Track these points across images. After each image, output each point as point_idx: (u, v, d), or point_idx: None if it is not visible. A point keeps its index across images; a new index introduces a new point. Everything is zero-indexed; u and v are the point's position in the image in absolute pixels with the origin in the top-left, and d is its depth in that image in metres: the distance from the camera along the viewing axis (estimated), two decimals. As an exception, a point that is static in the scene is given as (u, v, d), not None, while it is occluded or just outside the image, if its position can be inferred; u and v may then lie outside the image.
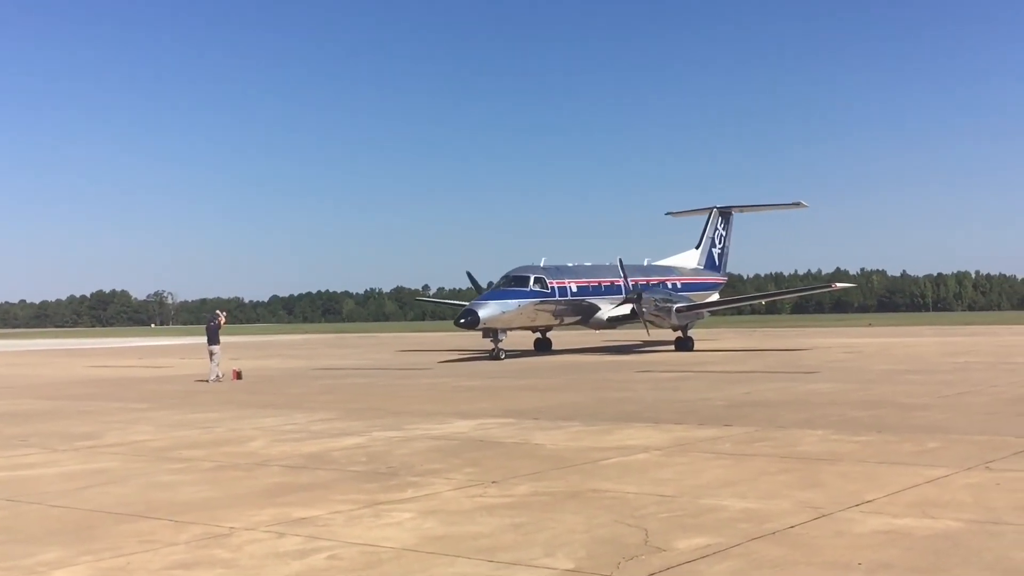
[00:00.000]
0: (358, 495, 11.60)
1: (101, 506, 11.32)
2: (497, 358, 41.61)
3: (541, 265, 45.57)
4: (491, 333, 42.27)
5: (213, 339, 34.14)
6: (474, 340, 51.94)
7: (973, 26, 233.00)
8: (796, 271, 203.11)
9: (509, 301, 42.44)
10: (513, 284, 43.58)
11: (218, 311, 36.77)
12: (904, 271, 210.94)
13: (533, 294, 43.41)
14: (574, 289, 45.71)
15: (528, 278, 43.76)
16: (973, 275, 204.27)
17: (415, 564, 8.37)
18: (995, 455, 13.27)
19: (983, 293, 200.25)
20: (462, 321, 41.30)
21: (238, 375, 34.01)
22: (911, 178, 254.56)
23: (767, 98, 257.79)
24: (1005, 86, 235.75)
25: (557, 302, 44.69)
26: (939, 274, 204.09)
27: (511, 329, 43.93)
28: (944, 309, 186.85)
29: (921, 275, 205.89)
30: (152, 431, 18.87)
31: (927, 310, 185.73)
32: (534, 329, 47.96)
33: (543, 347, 49.71)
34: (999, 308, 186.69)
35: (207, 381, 32.63)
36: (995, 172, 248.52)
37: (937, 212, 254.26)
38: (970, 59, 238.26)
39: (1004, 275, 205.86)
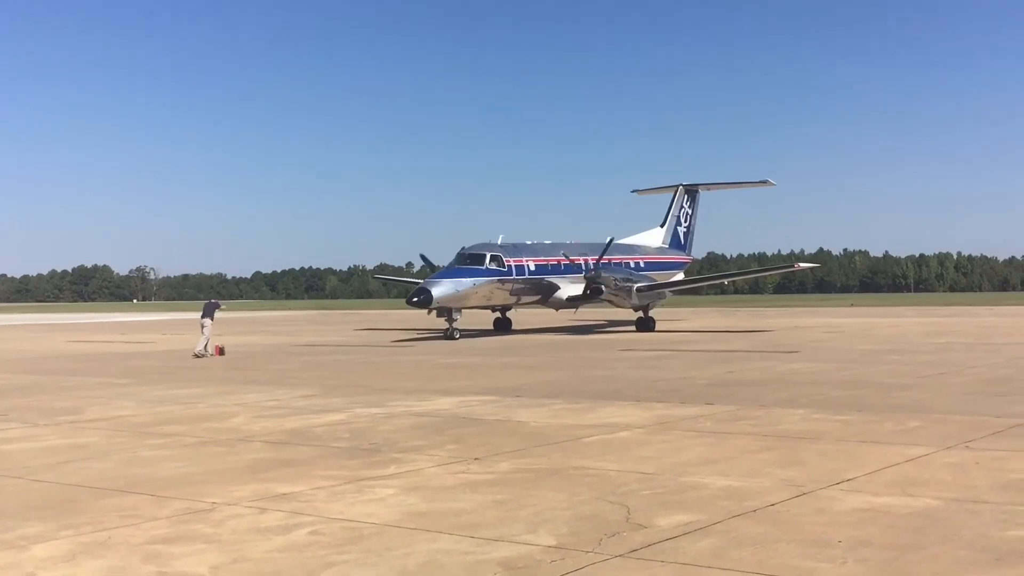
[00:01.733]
0: (340, 471, 11.59)
1: (82, 481, 11.28)
2: (451, 338, 40.79)
3: (498, 243, 44.76)
4: (445, 312, 41.46)
5: (207, 314, 34.53)
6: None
7: (960, 6, 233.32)
8: (779, 251, 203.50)
9: (463, 279, 41.63)
10: (468, 262, 42.70)
11: (221, 303, 36.54)
12: (886, 252, 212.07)
13: (489, 272, 42.59)
14: (532, 267, 44.80)
15: (484, 256, 42.92)
16: (955, 256, 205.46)
17: (397, 540, 8.37)
18: (975, 434, 13.37)
19: (964, 274, 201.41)
20: (414, 300, 40.56)
21: (220, 351, 33.94)
22: (894, 159, 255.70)
23: (745, 77, 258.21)
24: (986, 67, 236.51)
25: (515, 281, 43.86)
26: (921, 255, 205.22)
27: (466, 308, 43.07)
28: (926, 290, 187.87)
29: (903, 256, 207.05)
30: (134, 406, 18.81)
31: (909, 291, 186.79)
32: (492, 308, 47.27)
33: (502, 327, 49.08)
34: (980, 289, 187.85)
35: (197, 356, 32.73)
36: (978, 154, 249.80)
37: (920, 194, 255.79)
38: (950, 40, 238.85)
39: (985, 256, 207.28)
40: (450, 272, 42.24)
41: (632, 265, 48.93)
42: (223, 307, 35.68)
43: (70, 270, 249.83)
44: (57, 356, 35.45)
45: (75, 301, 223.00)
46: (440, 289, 40.59)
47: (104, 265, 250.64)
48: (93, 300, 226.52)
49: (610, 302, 44.75)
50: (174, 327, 63.30)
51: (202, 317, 34.79)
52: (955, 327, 44.88)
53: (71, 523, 9.14)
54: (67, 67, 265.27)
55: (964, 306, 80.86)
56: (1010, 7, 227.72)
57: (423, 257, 48.18)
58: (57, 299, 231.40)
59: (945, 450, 12.24)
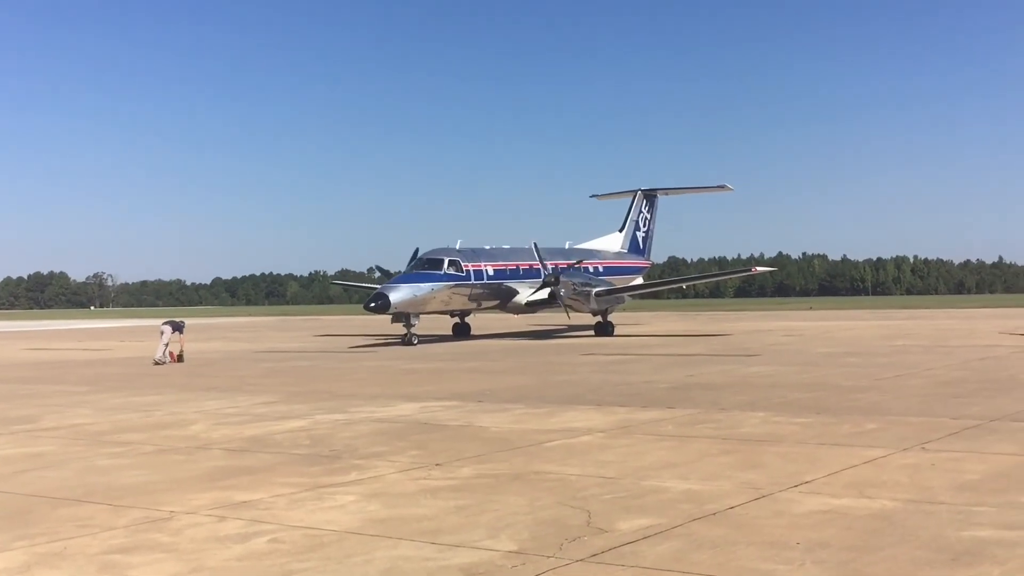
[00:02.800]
0: (301, 478, 11.52)
1: (38, 491, 11.12)
2: (409, 343, 40.58)
3: (456, 248, 44.66)
4: (403, 317, 41.23)
5: (175, 327, 33.92)
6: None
7: (914, 7, 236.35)
8: (739, 255, 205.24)
9: (421, 284, 41.45)
10: (426, 267, 42.53)
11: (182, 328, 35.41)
12: (844, 256, 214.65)
13: (447, 277, 42.49)
14: (491, 272, 44.76)
15: (442, 261, 42.80)
16: (911, 260, 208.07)
17: (358, 547, 8.34)
18: (931, 436, 13.53)
19: (921, 277, 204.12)
20: (372, 305, 40.30)
21: (178, 358, 33.58)
22: (852, 164, 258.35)
23: (703, 83, 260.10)
24: (941, 73, 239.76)
25: (473, 286, 43.81)
26: (878, 259, 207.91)
27: (424, 313, 42.89)
28: (883, 293, 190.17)
29: (861, 260, 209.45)
30: (91, 414, 18.58)
31: (867, 294, 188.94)
32: (451, 313, 47.10)
33: (462, 332, 48.90)
34: (936, 292, 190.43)
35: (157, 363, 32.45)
36: (934, 159, 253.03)
37: (877, 198, 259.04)
38: (904, 45, 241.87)
39: (941, 260, 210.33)
40: (408, 277, 42.01)
41: (591, 270, 49.04)
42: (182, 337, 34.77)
43: (25, 277, 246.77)
44: (12, 364, 34.95)
45: (31, 308, 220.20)
46: (398, 294, 40.38)
47: (60, 272, 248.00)
48: (49, 307, 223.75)
49: (569, 307, 44.84)
50: (132, 334, 62.62)
51: (163, 323, 34.31)
52: (912, 330, 45.43)
53: (26, 533, 9.01)
54: (22, 71, 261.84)
55: (920, 309, 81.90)
56: (967, 14, 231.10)
57: (378, 268, 48.04)
58: (12, 306, 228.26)
59: (902, 452, 12.38)
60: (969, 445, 12.79)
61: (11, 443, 15.06)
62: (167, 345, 33.44)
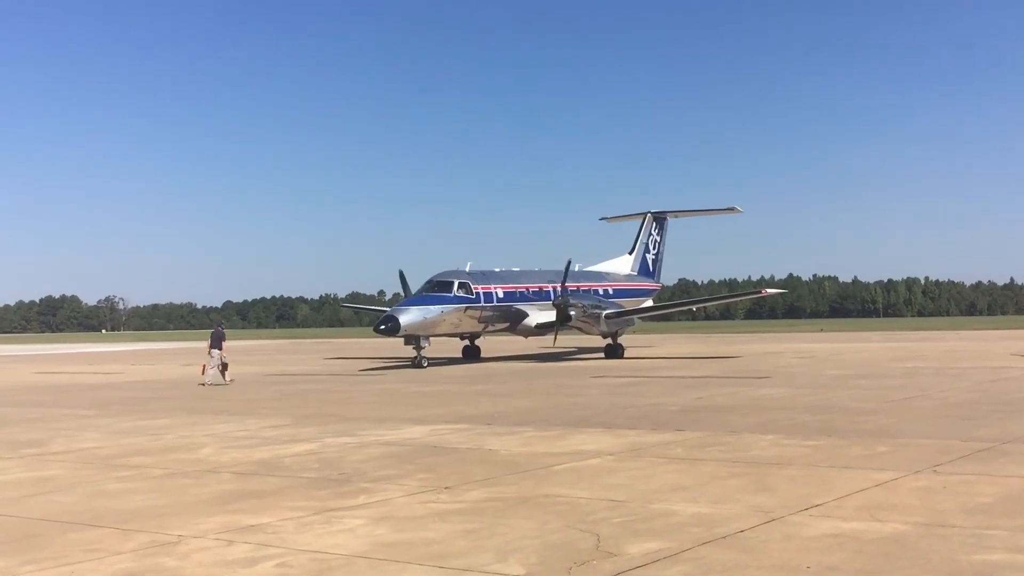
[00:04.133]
0: (309, 502, 11.50)
1: (46, 515, 11.12)
2: (419, 366, 40.60)
3: (467, 270, 44.67)
4: (413, 340, 41.23)
5: (215, 344, 34.16)
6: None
7: (922, 25, 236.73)
8: (750, 277, 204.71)
9: (431, 307, 41.42)
10: (436, 289, 42.54)
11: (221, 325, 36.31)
12: (855, 277, 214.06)
13: (457, 299, 42.46)
14: (501, 295, 44.75)
15: (452, 283, 42.79)
16: (923, 281, 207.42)
17: (366, 571, 8.31)
18: (942, 459, 13.45)
19: (932, 299, 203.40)
20: (382, 328, 40.25)
21: (222, 373, 33.60)
22: (863, 185, 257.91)
23: (712, 104, 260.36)
24: (954, 94, 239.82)
25: (483, 308, 43.78)
26: (889, 280, 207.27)
27: (434, 336, 42.87)
28: (894, 315, 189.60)
29: (872, 281, 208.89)
30: (100, 438, 18.60)
31: (878, 316, 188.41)
32: (461, 336, 47.09)
33: (471, 354, 48.92)
34: (948, 314, 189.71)
35: (219, 383, 33.00)
36: (945, 180, 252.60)
37: (889, 219, 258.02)
38: (918, 64, 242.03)
39: (952, 281, 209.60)
40: (418, 300, 42.03)
41: (601, 292, 49.07)
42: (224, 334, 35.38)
43: (38, 300, 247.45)
44: (23, 388, 35.03)
45: (43, 332, 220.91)
46: (408, 317, 40.41)
47: (72, 295, 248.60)
48: (61, 331, 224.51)
49: (579, 329, 44.80)
50: (143, 358, 62.79)
51: (210, 348, 34.44)
52: (923, 352, 45.26)
53: (34, 558, 9.01)
54: (35, 96, 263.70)
55: (932, 330, 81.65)
56: (976, 35, 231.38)
57: (401, 274, 47.00)
58: (24, 330, 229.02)
59: (913, 474, 12.30)
60: (981, 468, 12.71)
61: (20, 467, 15.07)
62: (219, 365, 33.74)
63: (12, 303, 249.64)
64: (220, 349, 34.12)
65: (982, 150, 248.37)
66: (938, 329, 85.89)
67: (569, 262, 45.34)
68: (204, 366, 34.41)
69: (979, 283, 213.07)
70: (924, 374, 30.20)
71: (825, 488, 11.49)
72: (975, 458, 13.53)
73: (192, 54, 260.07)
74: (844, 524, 9.57)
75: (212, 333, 35.26)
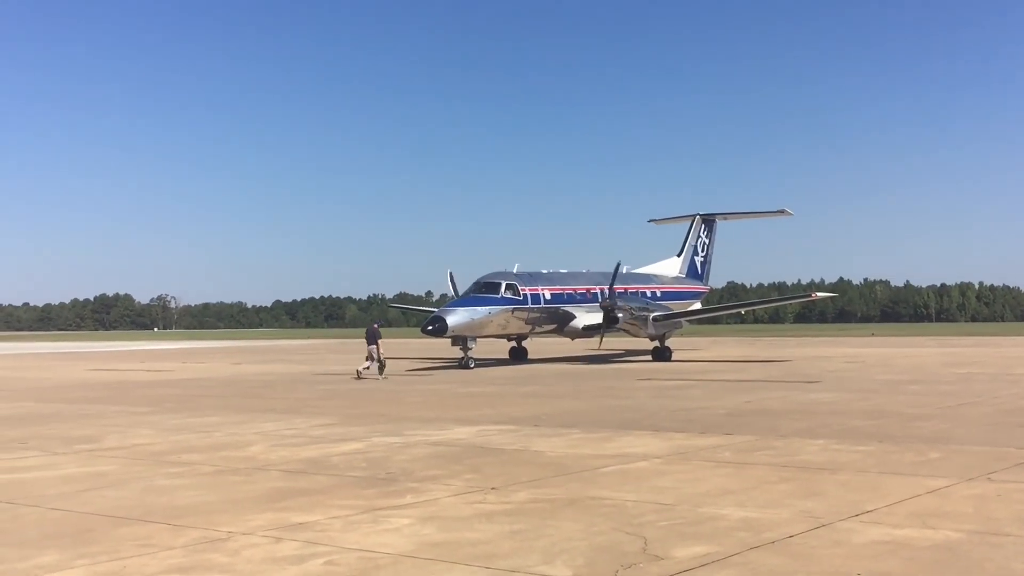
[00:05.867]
0: (357, 500, 11.56)
1: (99, 509, 11.29)
2: (466, 367, 40.62)
3: (514, 271, 44.68)
4: (460, 341, 41.34)
5: (371, 341, 36.15)
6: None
7: (972, 27, 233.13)
8: (799, 280, 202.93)
9: (479, 308, 41.52)
10: (484, 291, 42.63)
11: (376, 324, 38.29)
12: (907, 281, 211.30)
13: (504, 301, 42.49)
14: (548, 296, 44.72)
15: (499, 284, 42.84)
16: (976, 286, 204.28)
17: (412, 570, 8.33)
18: (997, 466, 13.23)
19: (986, 304, 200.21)
20: (429, 328, 40.35)
21: (379, 368, 35.63)
22: (915, 187, 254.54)
23: (762, 105, 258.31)
24: (1014, 93, 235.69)
25: (530, 310, 43.78)
26: (942, 284, 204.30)
27: (482, 337, 42.91)
28: (947, 320, 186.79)
29: (924, 286, 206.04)
30: (152, 435, 18.84)
31: (930, 320, 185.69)
32: (508, 337, 47.05)
33: (518, 356, 48.88)
34: (1002, 319, 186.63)
35: (377, 377, 35.19)
36: (1000, 182, 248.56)
37: (941, 222, 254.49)
38: (971, 62, 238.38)
39: (1008, 286, 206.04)
40: (465, 301, 42.17)
41: (648, 294, 48.87)
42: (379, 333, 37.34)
43: (92, 299, 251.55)
44: (77, 385, 35.60)
45: (96, 330, 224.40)
46: (455, 318, 40.53)
47: (125, 294, 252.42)
48: (114, 329, 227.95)
49: (626, 331, 44.63)
50: (194, 356, 63.54)
51: (368, 345, 36.41)
52: (977, 357, 44.54)
53: (87, 552, 9.14)
54: (86, 95, 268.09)
55: (986, 336, 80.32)
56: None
57: (450, 275, 47.11)
58: (79, 328, 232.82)
59: (966, 482, 12.10)
60: (1037, 476, 12.47)
61: (74, 462, 15.31)
62: (376, 360, 35.78)
63: (67, 301, 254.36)
64: (376, 345, 36.02)
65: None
66: (992, 335, 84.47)
67: (618, 265, 45.23)
68: (370, 358, 36.41)
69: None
70: (978, 380, 29.72)
71: (876, 494, 11.34)
72: (1030, 466, 13.28)
73: (244, 65, 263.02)
74: (895, 531, 9.44)
75: (367, 331, 37.16)
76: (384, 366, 36.06)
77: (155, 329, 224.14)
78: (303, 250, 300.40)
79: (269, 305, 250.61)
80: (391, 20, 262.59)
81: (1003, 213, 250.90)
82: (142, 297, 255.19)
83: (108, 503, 11.72)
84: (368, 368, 36.09)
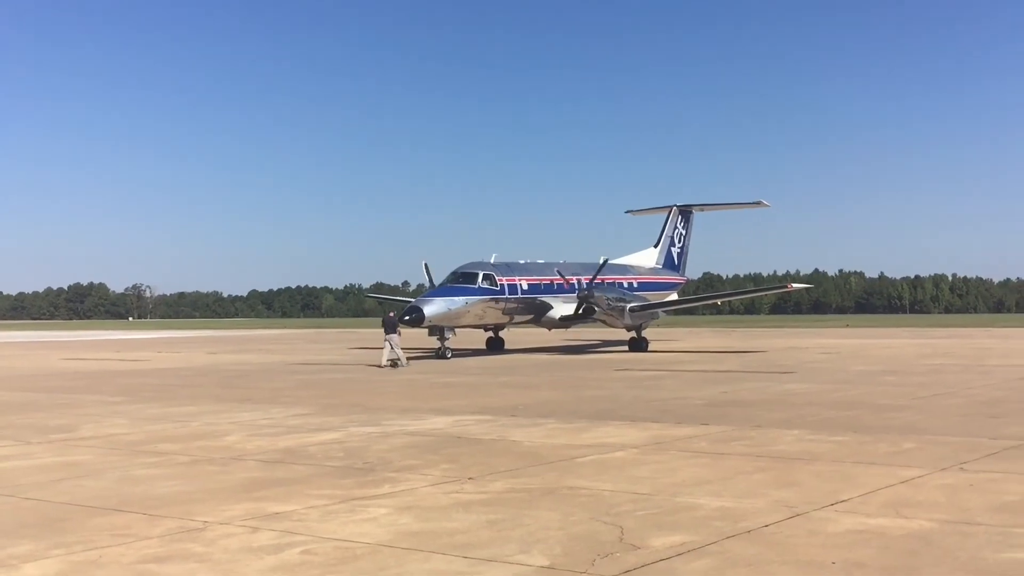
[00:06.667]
0: (334, 490, 11.56)
1: (74, 499, 11.23)
2: (443, 357, 40.59)
3: (491, 262, 44.66)
4: (437, 331, 41.32)
5: (390, 330, 36.79)
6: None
7: (956, 25, 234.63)
8: (775, 271, 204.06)
9: (456, 298, 41.52)
10: (461, 281, 42.63)
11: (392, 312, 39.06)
12: (882, 273, 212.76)
13: (482, 291, 42.52)
14: (525, 287, 44.77)
15: (476, 275, 42.87)
16: (950, 278, 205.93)
17: (390, 560, 8.34)
18: (969, 456, 13.36)
19: (960, 296, 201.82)
20: (406, 318, 40.19)
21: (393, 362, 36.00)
22: (890, 180, 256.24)
23: (739, 97, 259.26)
24: (984, 86, 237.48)
25: (507, 300, 43.80)
26: (916, 276, 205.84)
27: (459, 327, 42.95)
28: (921, 311, 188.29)
29: (899, 277, 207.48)
30: (127, 424, 18.75)
31: (904, 312, 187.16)
32: (485, 327, 47.08)
33: (495, 346, 48.86)
34: (975, 311, 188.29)
35: (389, 366, 35.75)
36: (974, 175, 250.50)
37: (916, 215, 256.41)
38: (949, 60, 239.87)
39: (980, 278, 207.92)
40: (442, 291, 42.15)
41: (625, 285, 48.96)
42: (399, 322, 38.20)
43: (66, 288, 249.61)
44: (52, 374, 35.36)
45: (71, 319, 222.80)
46: (432, 307, 40.48)
47: (100, 283, 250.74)
48: (89, 318, 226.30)
49: (603, 322, 44.73)
50: (169, 345, 63.22)
51: (387, 334, 36.81)
52: (950, 348, 44.92)
53: (62, 542, 9.10)
54: (61, 83, 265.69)
55: (959, 327, 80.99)
56: (1008, 24, 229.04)
57: (425, 265, 47.11)
58: (53, 316, 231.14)
59: (939, 472, 12.22)
60: (1008, 466, 12.61)
61: (49, 452, 15.22)
62: (391, 350, 36.19)
63: (41, 290, 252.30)
64: (396, 334, 36.73)
65: (1011, 146, 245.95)
66: (966, 326, 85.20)
67: (604, 261, 45.42)
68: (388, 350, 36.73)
69: (1007, 280, 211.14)
70: (951, 371, 29.98)
71: (851, 484, 11.43)
72: (1002, 456, 13.43)
73: (218, 50, 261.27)
74: (870, 520, 9.52)
75: (384, 320, 37.88)
76: (401, 356, 36.50)
77: (130, 318, 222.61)
78: (279, 239, 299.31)
79: (245, 295, 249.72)
80: (362, 10, 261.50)
81: (976, 206, 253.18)
82: (117, 286, 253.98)
83: (84, 493, 11.66)
84: (393, 359, 36.36)
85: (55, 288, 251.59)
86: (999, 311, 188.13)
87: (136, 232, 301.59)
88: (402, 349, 36.75)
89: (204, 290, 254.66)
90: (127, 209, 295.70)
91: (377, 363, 36.91)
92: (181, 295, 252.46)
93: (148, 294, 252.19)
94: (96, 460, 14.29)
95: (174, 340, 73.94)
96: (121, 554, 8.64)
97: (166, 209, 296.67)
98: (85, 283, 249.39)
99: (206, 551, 8.70)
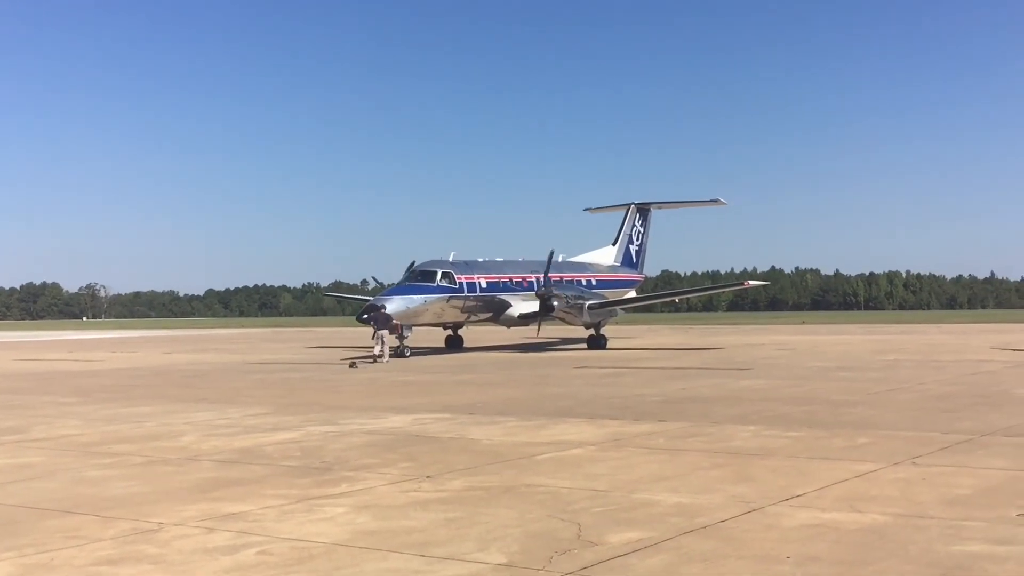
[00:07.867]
0: (290, 490, 11.48)
1: (25, 501, 11.07)
2: (402, 355, 40.47)
3: (450, 260, 44.68)
4: (396, 329, 41.52)
5: (382, 325, 38.06)
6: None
7: (909, 20, 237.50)
8: (732, 269, 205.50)
9: (415, 296, 41.49)
10: (419, 279, 42.59)
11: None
12: (837, 270, 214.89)
13: (440, 289, 42.54)
14: (484, 285, 44.82)
15: (435, 272, 42.90)
16: (904, 275, 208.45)
17: (346, 559, 8.31)
18: (922, 451, 13.53)
19: (913, 292, 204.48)
20: (364, 316, 40.28)
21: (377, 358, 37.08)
22: (845, 179, 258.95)
23: (696, 96, 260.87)
24: (936, 88, 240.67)
25: (466, 298, 43.86)
26: (871, 273, 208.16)
27: (417, 325, 42.95)
28: (875, 308, 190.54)
29: (854, 274, 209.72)
30: (80, 425, 18.51)
31: (859, 308, 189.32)
32: (444, 326, 47.10)
33: (454, 344, 48.83)
34: (928, 307, 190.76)
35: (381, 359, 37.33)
36: (927, 173, 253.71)
37: (871, 213, 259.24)
38: (899, 59, 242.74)
39: (934, 275, 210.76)
40: (401, 289, 42.07)
41: (584, 283, 49.11)
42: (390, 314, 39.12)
43: (18, 287, 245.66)
44: (3, 375, 34.82)
45: (23, 319, 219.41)
46: (391, 306, 40.36)
47: (53, 282, 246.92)
48: (42, 318, 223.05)
49: (562, 320, 44.84)
50: (124, 345, 62.51)
51: (377, 330, 38.01)
52: (903, 344, 45.49)
53: (13, 544, 8.96)
54: (20, 84, 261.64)
55: (913, 324, 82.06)
56: (961, 25, 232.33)
57: (374, 279, 47.94)
58: (4, 317, 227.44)
59: (893, 466, 12.37)
60: (960, 460, 12.79)
61: (0, 454, 14.98)
62: (384, 346, 37.43)
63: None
64: (387, 330, 37.70)
65: (964, 145, 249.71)
66: (919, 322, 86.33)
67: (552, 253, 45.44)
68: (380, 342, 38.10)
69: (960, 277, 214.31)
70: (905, 367, 30.35)
71: (806, 479, 11.54)
72: (954, 450, 13.62)
73: (175, 42, 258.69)
74: (824, 515, 9.61)
75: (376, 316, 38.56)
76: (388, 353, 37.77)
77: (84, 318, 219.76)
78: (236, 238, 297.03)
79: (202, 294, 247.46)
80: (325, 2, 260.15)
81: (930, 204, 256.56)
82: (70, 286, 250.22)
83: (35, 495, 11.49)
84: (383, 353, 37.52)
85: (7, 288, 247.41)
86: (952, 307, 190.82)
87: (90, 231, 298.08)
88: (392, 345, 38.17)
89: (160, 289, 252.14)
90: (81, 207, 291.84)
91: (372, 358, 38.02)
92: (136, 294, 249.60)
93: (103, 293, 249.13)
94: (48, 461, 14.09)
95: (129, 340, 73.12)
96: (73, 556, 8.53)
97: (121, 207, 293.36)
98: (38, 283, 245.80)
99: (160, 552, 8.61)
